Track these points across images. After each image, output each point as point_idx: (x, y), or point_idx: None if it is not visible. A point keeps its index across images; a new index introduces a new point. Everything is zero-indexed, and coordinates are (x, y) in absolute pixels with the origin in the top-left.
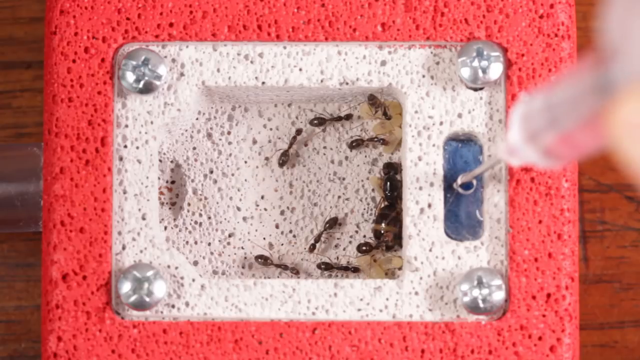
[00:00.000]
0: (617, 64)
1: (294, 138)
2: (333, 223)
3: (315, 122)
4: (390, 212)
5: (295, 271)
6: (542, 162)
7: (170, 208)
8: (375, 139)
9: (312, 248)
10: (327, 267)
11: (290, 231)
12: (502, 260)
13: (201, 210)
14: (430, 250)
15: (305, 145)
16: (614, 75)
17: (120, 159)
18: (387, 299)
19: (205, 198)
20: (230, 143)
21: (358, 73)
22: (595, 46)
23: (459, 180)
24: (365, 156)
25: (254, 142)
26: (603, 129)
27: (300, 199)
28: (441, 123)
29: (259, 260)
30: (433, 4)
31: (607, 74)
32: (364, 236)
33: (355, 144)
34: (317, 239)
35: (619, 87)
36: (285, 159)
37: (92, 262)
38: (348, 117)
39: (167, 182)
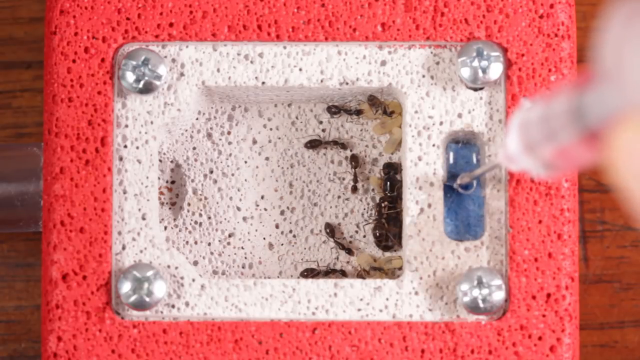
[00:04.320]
0: (597, 91)
1: (335, 142)
2: (332, 230)
3: (334, 109)
4: (390, 210)
5: (343, 272)
6: (539, 172)
7: (170, 208)
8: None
9: (350, 252)
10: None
11: (290, 231)
12: (502, 260)
13: (201, 210)
14: (430, 250)
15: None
16: (589, 102)
17: (120, 159)
18: (387, 299)
19: (205, 198)
20: (230, 143)
21: (358, 73)
22: (587, 66)
23: (459, 180)
24: (365, 156)
25: (254, 142)
26: (598, 147)
27: (300, 199)
28: (441, 123)
29: (305, 274)
30: (433, 4)
31: (584, 100)
32: (364, 236)
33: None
34: (343, 247)
35: (592, 115)
36: (315, 144)
37: (92, 262)
38: (359, 112)
39: (167, 182)
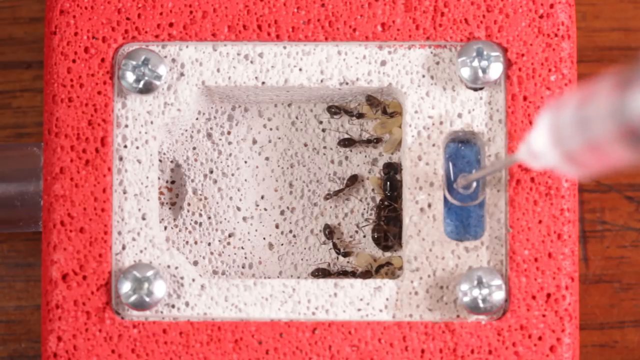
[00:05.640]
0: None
1: (368, 141)
2: (331, 232)
3: (333, 110)
4: (390, 212)
5: (353, 274)
6: (566, 169)
7: (170, 208)
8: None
9: (346, 256)
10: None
11: (290, 231)
12: (502, 260)
13: (201, 210)
14: (430, 250)
15: (305, 145)
16: (632, 99)
17: (120, 159)
18: (387, 299)
19: (205, 198)
20: (230, 143)
21: (358, 73)
22: (621, 67)
23: (459, 180)
24: (365, 156)
25: (254, 142)
26: (635, 146)
27: (300, 199)
28: (441, 123)
29: (317, 273)
30: (433, 4)
31: (626, 96)
32: (364, 236)
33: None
34: (339, 252)
35: (634, 112)
36: (349, 143)
37: (92, 262)
38: (360, 115)
39: (167, 182)
